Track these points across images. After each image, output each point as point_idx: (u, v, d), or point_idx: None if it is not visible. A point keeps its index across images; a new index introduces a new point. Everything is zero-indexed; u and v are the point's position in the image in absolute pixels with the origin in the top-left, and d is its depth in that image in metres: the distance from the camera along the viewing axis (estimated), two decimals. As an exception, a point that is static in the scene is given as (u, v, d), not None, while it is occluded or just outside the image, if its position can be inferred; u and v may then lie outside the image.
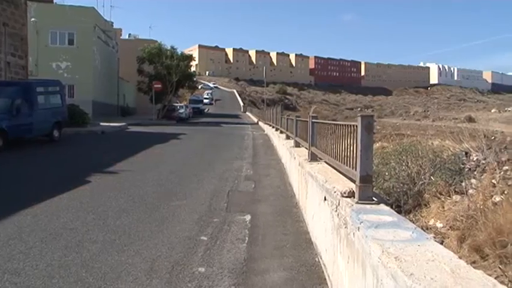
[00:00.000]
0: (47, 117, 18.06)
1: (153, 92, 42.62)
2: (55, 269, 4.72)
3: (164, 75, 45.06)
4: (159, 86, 42.90)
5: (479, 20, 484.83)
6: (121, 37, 60.62)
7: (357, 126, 4.00)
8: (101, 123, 27.81)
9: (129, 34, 70.34)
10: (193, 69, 60.18)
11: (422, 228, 6.64)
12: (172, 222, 6.80)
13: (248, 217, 7.28)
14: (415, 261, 2.55)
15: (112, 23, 50.20)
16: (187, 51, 59.19)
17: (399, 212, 7.47)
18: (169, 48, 47.33)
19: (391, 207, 7.52)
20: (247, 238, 6.16)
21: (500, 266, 4.54)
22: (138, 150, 16.31)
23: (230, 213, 7.50)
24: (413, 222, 6.97)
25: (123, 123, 30.64)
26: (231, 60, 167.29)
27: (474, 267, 4.67)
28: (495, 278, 4.31)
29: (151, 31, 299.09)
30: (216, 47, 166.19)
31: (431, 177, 8.25)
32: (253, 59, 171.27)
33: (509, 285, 4.18)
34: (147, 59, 45.57)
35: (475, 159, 9.47)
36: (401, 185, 8.42)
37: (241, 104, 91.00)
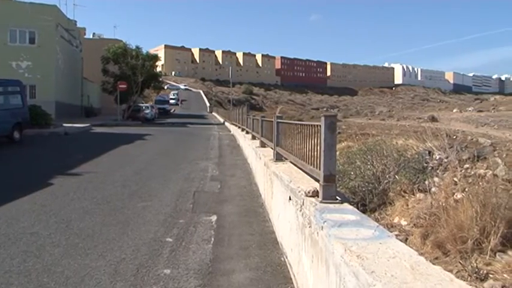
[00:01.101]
0: (6, 118, 17.55)
1: (118, 92, 41.96)
2: (14, 275, 4.58)
3: (129, 76, 44.42)
4: (124, 86, 42.25)
5: (443, 22, 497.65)
6: (85, 36, 59.55)
7: (320, 126, 4.03)
8: (64, 124, 27.18)
9: (93, 33, 69.40)
10: (159, 69, 59.74)
11: (387, 226, 6.77)
12: (138, 224, 6.70)
13: (214, 218, 7.25)
14: (376, 258, 2.58)
15: (75, 21, 49.25)
16: (153, 51, 58.47)
17: (364, 211, 7.58)
18: (134, 48, 46.78)
19: (357, 206, 7.64)
20: (213, 239, 6.12)
21: (460, 261, 4.64)
22: (102, 151, 16.04)
23: (196, 214, 7.45)
24: (378, 221, 7.10)
25: (87, 124, 30.09)
26: (197, 61, 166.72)
27: (436, 263, 4.77)
28: (456, 273, 4.44)
29: (116, 30, 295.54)
30: (182, 47, 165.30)
31: (396, 176, 8.38)
32: (220, 59, 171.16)
33: (468, 279, 4.28)
34: (112, 59, 44.83)
35: (437, 158, 9.69)
36: (367, 184, 8.52)
37: (208, 104, 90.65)
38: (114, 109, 44.82)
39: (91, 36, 65.78)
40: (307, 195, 4.21)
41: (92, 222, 6.69)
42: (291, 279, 4.67)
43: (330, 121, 3.91)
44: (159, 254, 5.39)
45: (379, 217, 7.54)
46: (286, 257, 5.14)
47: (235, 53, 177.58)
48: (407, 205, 7.43)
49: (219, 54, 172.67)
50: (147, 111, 45.23)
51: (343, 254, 2.71)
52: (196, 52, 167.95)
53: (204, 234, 6.33)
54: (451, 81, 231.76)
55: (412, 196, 7.60)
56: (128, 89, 43.64)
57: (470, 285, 4.12)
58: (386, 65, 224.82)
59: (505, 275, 4.22)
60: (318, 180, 4.25)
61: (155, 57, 49.88)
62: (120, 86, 41.92)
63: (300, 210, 4.30)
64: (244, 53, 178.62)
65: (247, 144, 14.84)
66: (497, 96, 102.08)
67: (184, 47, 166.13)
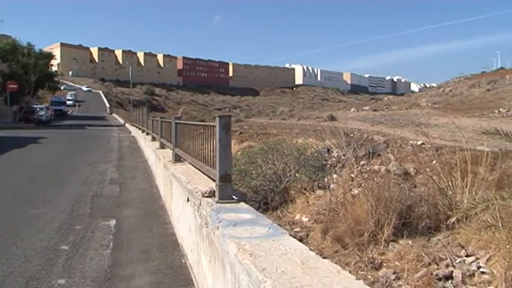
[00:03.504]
0: None
1: (8, 92, 39.42)
2: None
3: (21, 75, 41.89)
4: (15, 86, 39.79)
5: (342, 25, 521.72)
6: (-34, 31, 55.06)
7: (215, 126, 4.04)
8: None
9: (-24, 28, 64.36)
10: (54, 68, 56.84)
11: (288, 224, 6.94)
12: (29, 233, 6.32)
13: (113, 222, 7.06)
14: (268, 256, 2.64)
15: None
16: (47, 49, 55.67)
17: (267, 209, 7.71)
18: (25, 45, 44.16)
19: (259, 205, 7.76)
20: (111, 244, 5.96)
21: (358, 253, 4.87)
22: (-11, 156, 14.96)
23: (94, 219, 7.19)
24: (280, 218, 7.25)
25: (-28, 128, 27.94)
26: (96, 60, 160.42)
27: (335, 256, 4.97)
28: (354, 264, 4.65)
29: (3, 25, 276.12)
30: (80, 45, 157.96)
31: (296, 174, 8.58)
32: (120, 59, 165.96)
33: (365, 269, 4.52)
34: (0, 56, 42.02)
35: (336, 155, 10.07)
36: (268, 182, 8.65)
37: (108, 105, 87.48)
38: (4, 111, 42.00)
39: (-27, 31, 61.03)
40: (204, 196, 4.21)
41: (-25, 235, 6.20)
42: (192, 280, 4.66)
43: (224, 121, 3.95)
44: (53, 264, 5.12)
45: (281, 215, 7.70)
46: (187, 259, 5.11)
47: (136, 53, 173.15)
48: (308, 202, 7.65)
49: (119, 53, 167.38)
50: (42, 112, 42.89)
51: (237, 252, 2.75)
52: (95, 51, 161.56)
53: (102, 239, 6.14)
54: (349, 82, 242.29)
55: (313, 193, 7.83)
56: (20, 89, 41.21)
57: (366, 274, 4.39)
58: (287, 65, 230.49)
59: (396, 263, 4.50)
60: (214, 180, 4.27)
61: (49, 56, 47.62)
62: (10, 86, 39.47)
63: (198, 211, 4.30)
64: (145, 53, 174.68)
65: (147, 145, 14.59)
66: (391, 96, 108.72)
67: (82, 45, 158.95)
